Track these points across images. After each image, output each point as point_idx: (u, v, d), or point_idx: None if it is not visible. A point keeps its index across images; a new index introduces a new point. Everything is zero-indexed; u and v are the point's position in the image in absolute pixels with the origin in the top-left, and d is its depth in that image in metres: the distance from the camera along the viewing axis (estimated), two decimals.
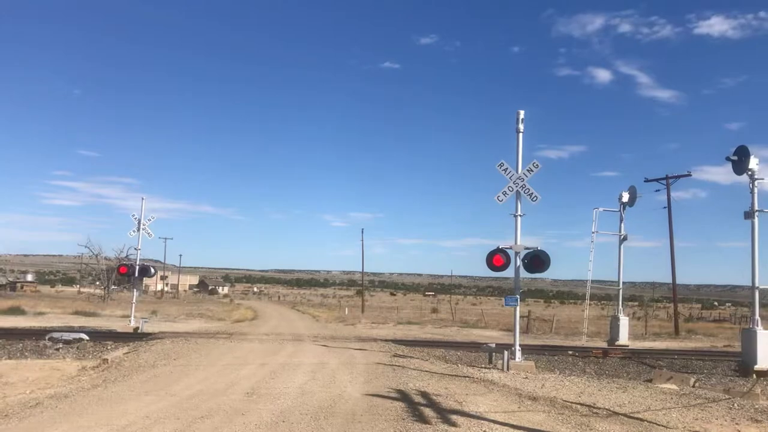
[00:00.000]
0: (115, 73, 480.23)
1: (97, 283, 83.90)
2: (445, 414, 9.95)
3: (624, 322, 29.39)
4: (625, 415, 10.76)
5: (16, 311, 40.59)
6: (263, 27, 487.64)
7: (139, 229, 29.59)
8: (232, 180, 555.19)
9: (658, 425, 9.97)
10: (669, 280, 45.74)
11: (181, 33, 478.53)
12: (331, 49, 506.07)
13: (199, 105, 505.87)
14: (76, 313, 42.13)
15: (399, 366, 16.54)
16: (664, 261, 47.50)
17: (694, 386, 15.96)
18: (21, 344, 20.88)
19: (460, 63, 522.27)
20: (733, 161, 19.84)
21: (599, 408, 11.39)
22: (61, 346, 20.90)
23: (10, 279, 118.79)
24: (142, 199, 30.27)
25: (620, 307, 29.97)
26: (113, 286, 73.06)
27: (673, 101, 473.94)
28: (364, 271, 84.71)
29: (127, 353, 18.47)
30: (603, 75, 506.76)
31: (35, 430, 8.42)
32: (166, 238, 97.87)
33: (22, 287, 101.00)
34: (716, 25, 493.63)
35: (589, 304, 32.64)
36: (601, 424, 9.85)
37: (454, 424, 9.19)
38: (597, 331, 36.55)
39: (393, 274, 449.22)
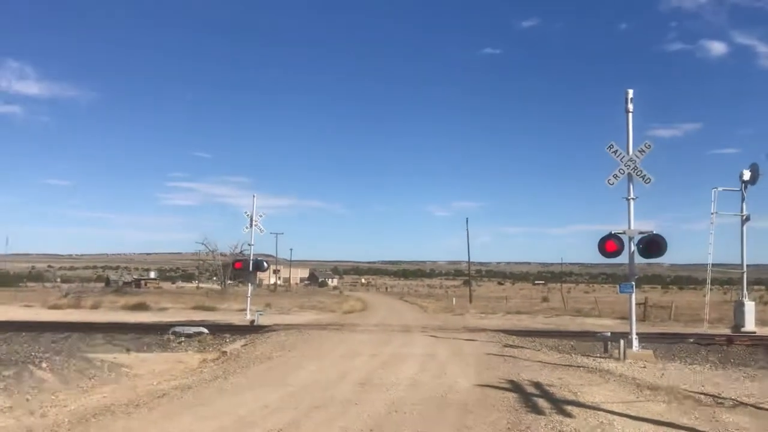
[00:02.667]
0: (223, 75, 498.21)
1: (214, 278, 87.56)
2: (559, 404, 9.75)
3: (749, 307, 27.68)
4: (754, 405, 10.18)
5: (141, 307, 43.03)
6: (364, 20, 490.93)
7: (251, 226, 30.69)
8: (338, 174, 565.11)
9: None
10: None
11: (284, 30, 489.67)
12: (433, 37, 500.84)
13: (305, 102, 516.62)
14: (196, 307, 44.09)
15: (510, 356, 16.36)
16: None
17: None
18: (147, 338, 22.09)
19: (563, 45, 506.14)
20: None
21: (725, 398, 10.83)
22: (183, 339, 21.95)
23: (135, 277, 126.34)
24: (254, 196, 31.34)
25: (744, 291, 28.30)
26: (229, 281, 75.95)
27: None
28: (470, 260, 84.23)
29: (244, 345, 19.21)
30: (717, 47, 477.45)
31: (163, 419, 8.90)
32: (277, 233, 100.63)
33: (146, 284, 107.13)
34: None
35: (711, 289, 30.98)
36: (728, 415, 9.36)
37: (569, 415, 8.98)
38: (719, 318, 34.69)
39: (500, 263, 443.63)
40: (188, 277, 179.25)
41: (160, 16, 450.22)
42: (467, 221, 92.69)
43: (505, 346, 19.22)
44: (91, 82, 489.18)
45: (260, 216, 31.02)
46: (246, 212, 31.10)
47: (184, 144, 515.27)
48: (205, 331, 23.52)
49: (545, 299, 72.49)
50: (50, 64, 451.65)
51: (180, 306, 45.73)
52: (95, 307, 43.93)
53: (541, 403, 9.91)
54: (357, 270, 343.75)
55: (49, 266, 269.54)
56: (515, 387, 11.42)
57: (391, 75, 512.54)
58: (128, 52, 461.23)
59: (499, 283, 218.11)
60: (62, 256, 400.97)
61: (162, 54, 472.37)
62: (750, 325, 27.41)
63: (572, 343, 22.00)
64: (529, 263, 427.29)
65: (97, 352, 16.93)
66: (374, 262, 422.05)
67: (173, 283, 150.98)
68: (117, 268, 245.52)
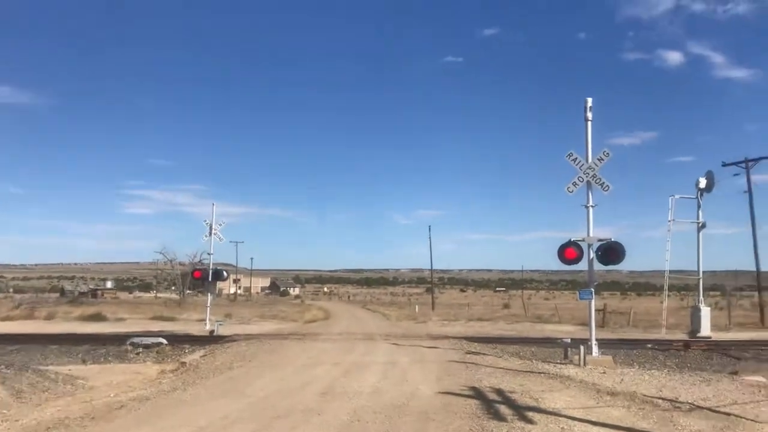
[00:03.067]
0: (181, 82, 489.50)
1: (173, 288, 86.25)
2: (521, 411, 9.78)
3: (705, 312, 28.31)
4: (709, 409, 10.35)
5: (98, 318, 42.08)
6: (333, 28, 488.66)
7: (210, 234, 30.34)
8: (299, 182, 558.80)
9: (746, 419, 9.54)
10: (753, 267, 43.78)
11: (242, 37, 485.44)
12: (394, 46, 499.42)
13: (265, 109, 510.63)
14: (154, 318, 43.36)
15: (472, 363, 16.40)
16: (747, 248, 45.45)
17: None
18: (104, 349, 21.68)
19: (524, 54, 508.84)
20: None
21: (682, 402, 10.99)
22: (141, 350, 21.58)
23: (91, 287, 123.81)
24: (213, 204, 31.01)
25: (701, 297, 28.94)
26: (188, 291, 74.88)
27: (749, 80, 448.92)
28: (433, 268, 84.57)
29: (203, 356, 18.92)
30: (674, 57, 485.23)
31: (121, 431, 8.68)
32: (237, 242, 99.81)
33: (102, 294, 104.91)
34: None
35: (668, 295, 31.57)
36: (684, 419, 9.50)
37: (530, 421, 9.02)
38: (677, 323, 35.39)
39: (462, 270, 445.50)
40: (146, 287, 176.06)
41: (117, 21, 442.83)
42: (429, 229, 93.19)
43: (468, 353, 19.28)
44: (46, 88, 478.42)
45: (220, 224, 30.70)
46: (205, 221, 30.74)
47: (141, 151, 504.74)
48: (164, 341, 23.16)
49: (506, 306, 73.12)
50: (2, 68, 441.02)
51: (138, 316, 44.91)
52: (50, 317, 42.86)
53: (503, 409, 9.93)
54: (319, 279, 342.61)
55: (1, 276, 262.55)
56: (477, 394, 11.43)
57: (351, 82, 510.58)
58: (85, 58, 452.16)
59: (462, 291, 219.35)
60: (15, 265, 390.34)
61: (121, 60, 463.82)
62: (706, 330, 28.01)
63: (533, 349, 22.20)
64: (490, 270, 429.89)
65: (51, 364, 16.54)
66: (336, 271, 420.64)
67: (131, 293, 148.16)
68: (72, 278, 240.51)
